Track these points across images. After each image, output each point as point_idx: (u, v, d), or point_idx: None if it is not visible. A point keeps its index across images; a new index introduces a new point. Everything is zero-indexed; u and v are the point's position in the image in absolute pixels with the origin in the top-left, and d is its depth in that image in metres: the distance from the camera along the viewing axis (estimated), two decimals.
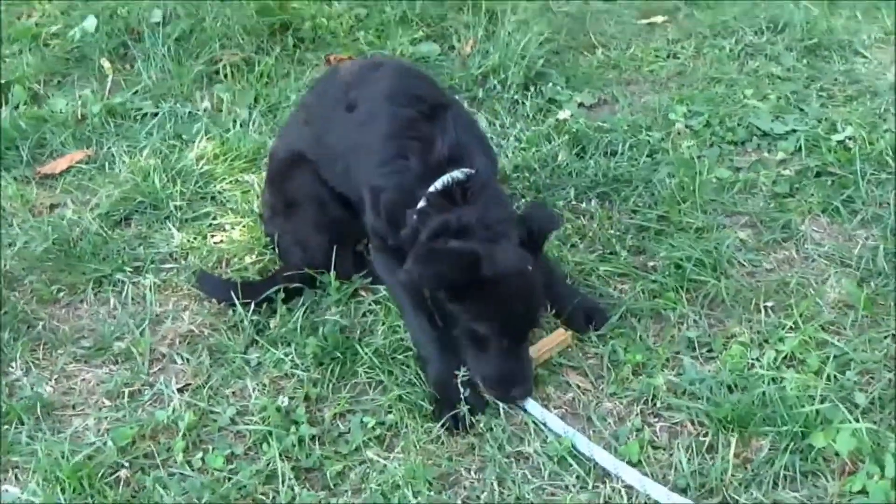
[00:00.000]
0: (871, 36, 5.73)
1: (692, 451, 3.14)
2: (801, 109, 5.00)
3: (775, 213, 4.26)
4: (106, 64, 5.43)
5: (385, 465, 3.10)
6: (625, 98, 5.22)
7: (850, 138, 4.68)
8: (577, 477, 3.07)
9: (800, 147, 4.66)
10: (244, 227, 4.20)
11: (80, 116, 5.03)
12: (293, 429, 3.21)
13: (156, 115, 5.05)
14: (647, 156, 4.63)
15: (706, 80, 5.37)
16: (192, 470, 3.09)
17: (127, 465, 3.10)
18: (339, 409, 3.32)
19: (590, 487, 3.04)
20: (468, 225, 3.30)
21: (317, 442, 3.20)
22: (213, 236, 4.18)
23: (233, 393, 3.43)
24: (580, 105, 5.13)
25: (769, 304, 3.73)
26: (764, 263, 3.99)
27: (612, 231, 4.12)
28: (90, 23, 5.61)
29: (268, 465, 3.10)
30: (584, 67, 5.52)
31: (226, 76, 5.31)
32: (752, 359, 3.46)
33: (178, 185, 4.40)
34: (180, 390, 3.43)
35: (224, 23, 5.59)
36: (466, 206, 3.34)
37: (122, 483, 3.04)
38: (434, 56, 5.53)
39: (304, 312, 3.67)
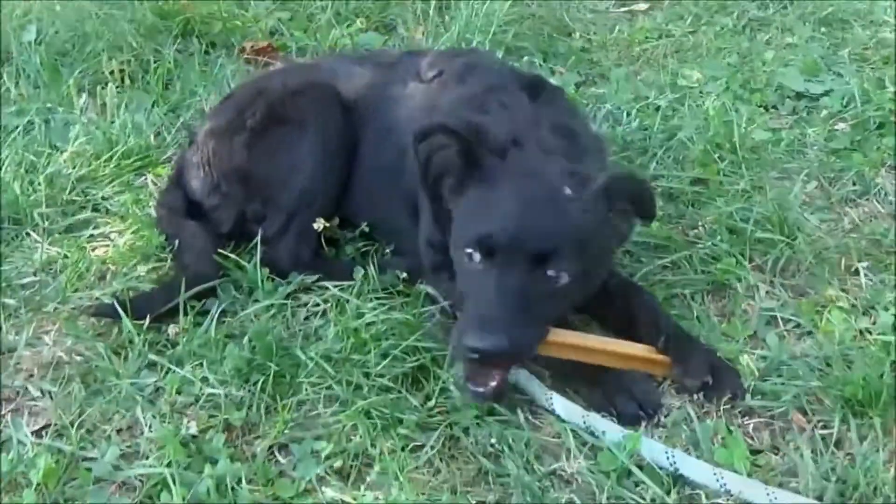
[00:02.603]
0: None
1: (816, 451, 2.16)
2: (837, 73, 4.14)
3: (838, 167, 3.36)
4: None
5: None
6: (617, 73, 4.30)
7: None
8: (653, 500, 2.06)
9: (847, 102, 3.79)
10: (134, 233, 3.17)
11: None
12: (207, 469, 2.17)
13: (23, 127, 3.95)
14: (661, 121, 3.70)
15: (713, 51, 4.49)
16: None
17: None
18: (277, 439, 2.30)
19: None
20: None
21: (244, 483, 2.14)
22: (93, 249, 3.14)
23: (117, 431, 2.38)
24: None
25: (864, 264, 2.80)
26: (843, 222, 3.08)
27: None
28: None
29: None
30: (562, 48, 4.63)
31: (115, 79, 4.26)
32: (861, 328, 2.51)
33: (45, 190, 3.36)
34: (37, 433, 2.37)
35: (112, 29, 4.62)
36: None
37: None
38: (377, 45, 4.62)
39: (220, 320, 2.66)
